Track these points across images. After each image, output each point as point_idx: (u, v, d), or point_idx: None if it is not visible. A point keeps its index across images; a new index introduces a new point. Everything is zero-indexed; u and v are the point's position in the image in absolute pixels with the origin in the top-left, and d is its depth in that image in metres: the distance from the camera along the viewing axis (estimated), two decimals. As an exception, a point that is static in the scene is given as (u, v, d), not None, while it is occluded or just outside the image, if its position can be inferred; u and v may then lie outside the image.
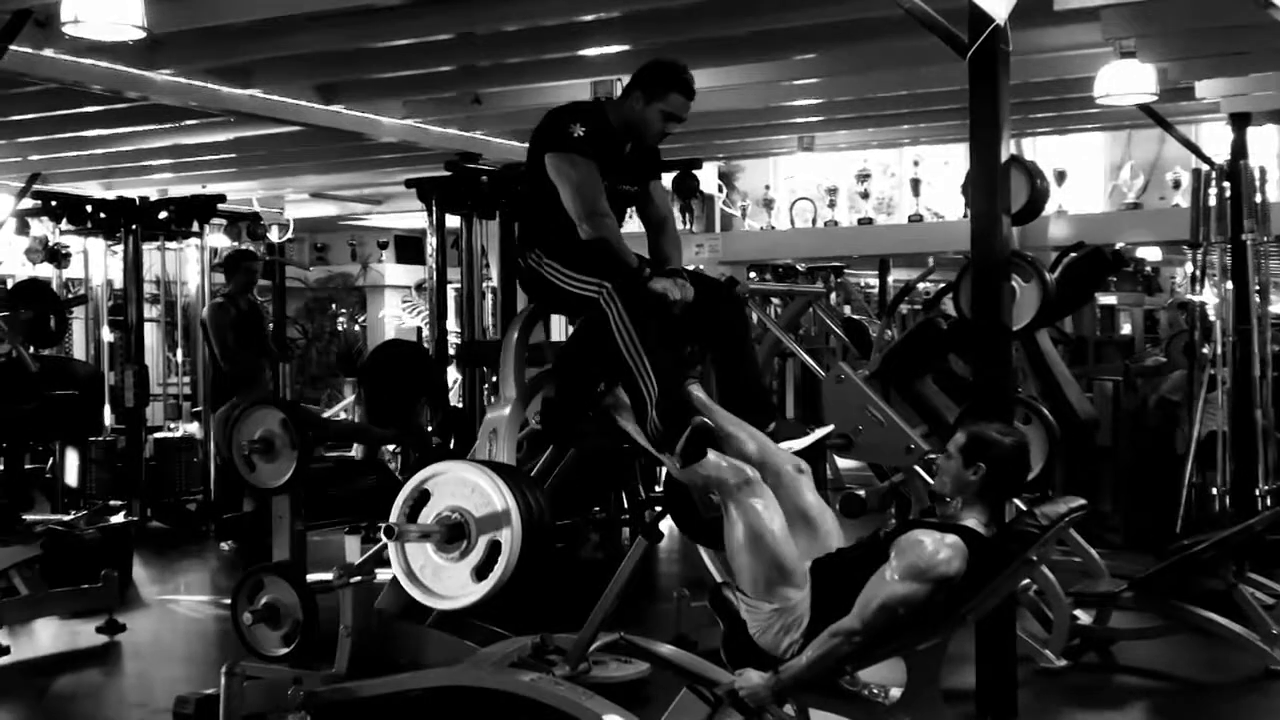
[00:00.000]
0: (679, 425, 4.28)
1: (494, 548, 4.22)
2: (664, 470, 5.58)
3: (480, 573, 4.25)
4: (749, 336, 5.11)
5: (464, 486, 4.32)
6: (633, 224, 5.12)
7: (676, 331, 4.58)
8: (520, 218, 5.15)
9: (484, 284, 9.21)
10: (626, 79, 7.43)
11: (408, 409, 8.65)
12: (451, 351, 9.86)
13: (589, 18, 6.64)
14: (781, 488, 4.30)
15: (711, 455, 4.30)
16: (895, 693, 4.15)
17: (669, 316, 4.50)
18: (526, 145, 4.95)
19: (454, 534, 4.27)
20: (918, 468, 6.24)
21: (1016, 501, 5.54)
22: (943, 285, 7.68)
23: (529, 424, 5.13)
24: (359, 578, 5.18)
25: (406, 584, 4.36)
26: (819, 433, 4.76)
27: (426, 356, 9.66)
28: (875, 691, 4.22)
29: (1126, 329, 16.79)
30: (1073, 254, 6.87)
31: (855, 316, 11.28)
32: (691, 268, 5.03)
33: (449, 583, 4.31)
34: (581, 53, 7.32)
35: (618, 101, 4.88)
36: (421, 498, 4.39)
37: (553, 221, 4.67)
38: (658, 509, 5.02)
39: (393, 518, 4.37)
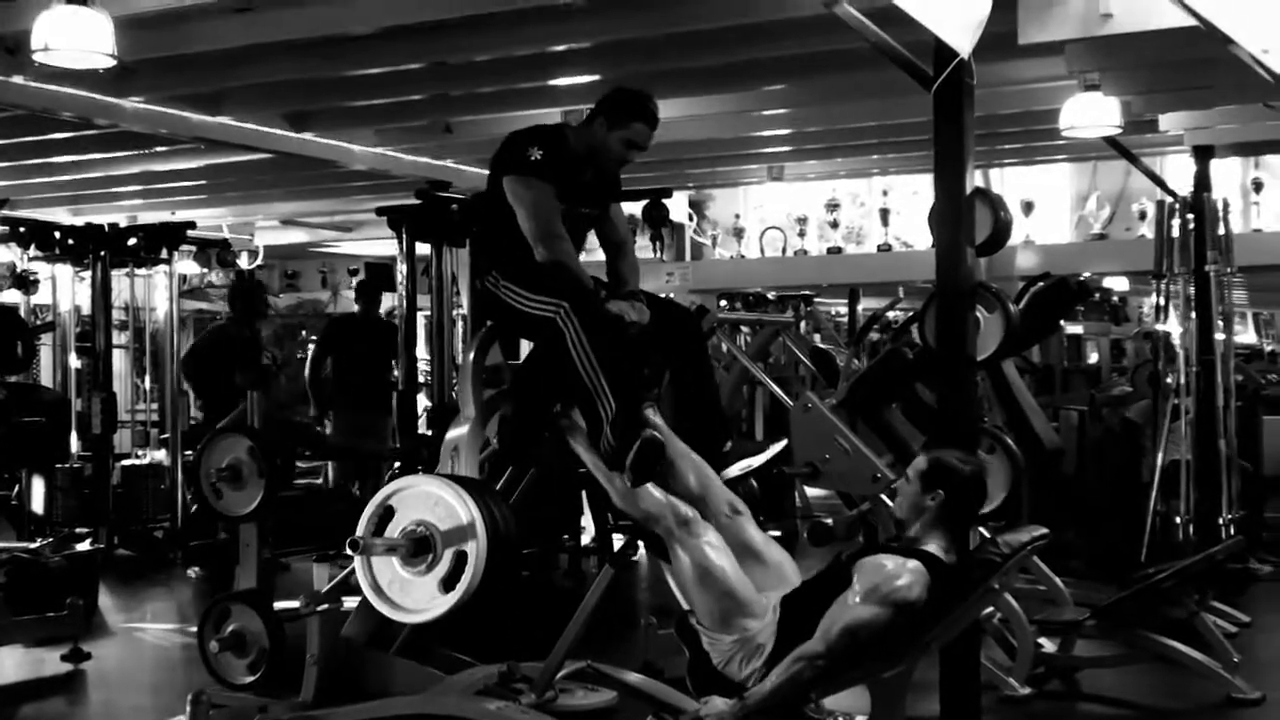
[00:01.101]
0: (631, 440, 4.28)
1: (460, 558, 4.23)
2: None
3: (448, 584, 4.25)
4: (707, 357, 5.10)
5: (428, 500, 4.33)
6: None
7: (634, 354, 4.57)
8: (477, 240, 5.08)
9: (454, 312, 9.20)
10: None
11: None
12: (422, 380, 9.84)
13: (560, 48, 6.69)
14: (721, 530, 4.33)
15: (654, 491, 4.32)
16: (860, 720, 4.19)
17: (625, 338, 4.50)
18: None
19: (420, 547, 4.26)
20: (884, 496, 6.26)
21: (980, 529, 5.57)
22: (910, 314, 7.72)
23: (490, 444, 5.13)
24: (325, 606, 5.17)
25: (373, 599, 4.35)
26: (773, 449, 4.76)
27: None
28: (840, 719, 4.25)
29: (1094, 358, 16.89)
30: (1039, 284, 6.94)
31: (823, 346, 11.31)
32: (663, 296, 5.02)
33: (417, 595, 4.30)
34: (552, 82, 7.37)
35: (581, 126, 4.85)
36: (387, 514, 4.39)
37: (510, 244, 4.64)
38: (626, 537, 5.02)
39: (358, 533, 4.37)
